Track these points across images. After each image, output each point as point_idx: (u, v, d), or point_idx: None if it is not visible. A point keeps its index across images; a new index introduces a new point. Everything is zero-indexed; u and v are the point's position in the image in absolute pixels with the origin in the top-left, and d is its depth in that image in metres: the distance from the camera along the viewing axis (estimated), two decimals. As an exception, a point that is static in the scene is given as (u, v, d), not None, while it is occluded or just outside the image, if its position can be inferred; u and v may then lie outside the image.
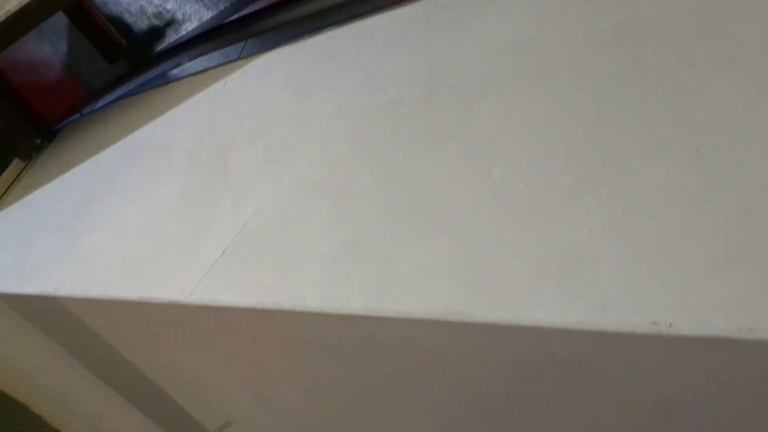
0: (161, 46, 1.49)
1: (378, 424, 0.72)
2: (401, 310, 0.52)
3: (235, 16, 1.30)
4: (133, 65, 1.54)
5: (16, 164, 1.41)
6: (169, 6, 1.45)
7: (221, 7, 1.36)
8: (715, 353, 0.39)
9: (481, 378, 0.54)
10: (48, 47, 1.57)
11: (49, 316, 1.00)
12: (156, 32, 1.50)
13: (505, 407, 0.56)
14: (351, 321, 0.56)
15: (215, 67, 1.18)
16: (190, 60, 1.32)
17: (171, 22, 1.46)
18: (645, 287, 0.41)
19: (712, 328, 0.38)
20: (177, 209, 0.84)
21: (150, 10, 1.48)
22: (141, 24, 1.52)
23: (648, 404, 0.46)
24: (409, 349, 0.56)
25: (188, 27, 1.44)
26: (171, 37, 1.47)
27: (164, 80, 1.32)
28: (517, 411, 0.56)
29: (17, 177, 1.38)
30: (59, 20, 1.51)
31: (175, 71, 1.33)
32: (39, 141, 1.47)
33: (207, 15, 1.39)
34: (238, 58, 1.14)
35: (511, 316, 0.46)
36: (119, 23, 1.53)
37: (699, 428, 0.45)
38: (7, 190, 1.34)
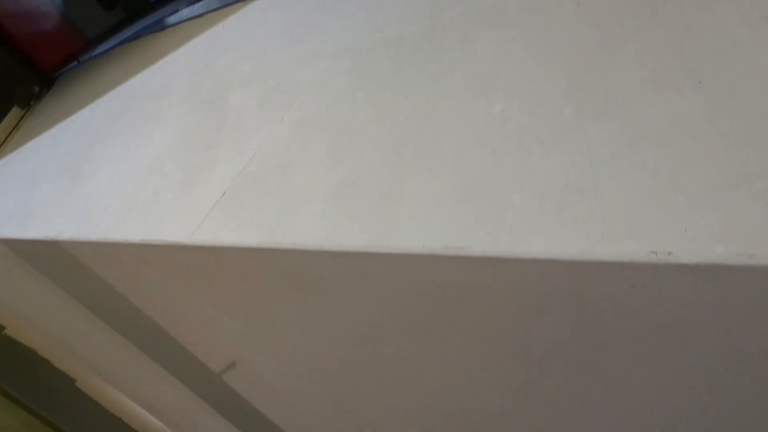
0: (158, -8, 1.47)
1: (379, 362, 0.73)
2: (401, 247, 0.52)
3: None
4: (130, 12, 1.51)
5: (14, 112, 1.41)
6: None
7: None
8: (715, 281, 0.39)
9: (480, 313, 0.55)
10: (44, -5, 1.54)
11: (53, 261, 1.01)
12: (152, -22, 1.47)
13: (506, 341, 0.57)
14: (351, 258, 0.57)
15: (213, 11, 1.16)
16: (187, 5, 1.29)
17: (167, -33, 1.43)
18: (645, 216, 0.41)
19: (712, 255, 0.38)
20: (177, 152, 0.84)
21: (146, -46, 1.45)
22: (137, -30, 1.49)
23: (648, 333, 0.46)
24: (409, 285, 0.57)
25: (185, -28, 1.41)
26: (168, -17, 1.45)
27: (162, 26, 1.30)
28: (517, 345, 0.57)
29: (16, 125, 1.37)
30: (55, -33, 1.48)
31: (173, 17, 1.31)
32: (37, 89, 1.47)
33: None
34: (236, 1, 1.12)
35: (511, 249, 0.46)
36: (115, -31, 1.51)
37: (698, 357, 0.46)
38: (6, 138, 1.34)
